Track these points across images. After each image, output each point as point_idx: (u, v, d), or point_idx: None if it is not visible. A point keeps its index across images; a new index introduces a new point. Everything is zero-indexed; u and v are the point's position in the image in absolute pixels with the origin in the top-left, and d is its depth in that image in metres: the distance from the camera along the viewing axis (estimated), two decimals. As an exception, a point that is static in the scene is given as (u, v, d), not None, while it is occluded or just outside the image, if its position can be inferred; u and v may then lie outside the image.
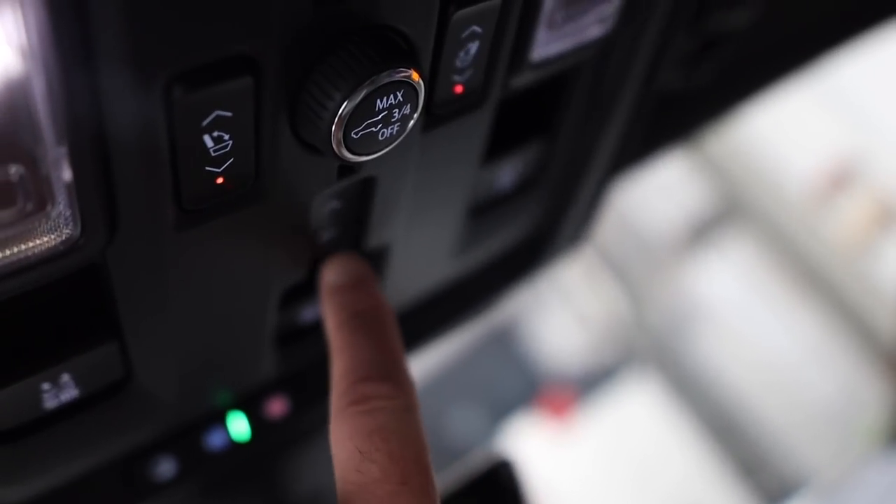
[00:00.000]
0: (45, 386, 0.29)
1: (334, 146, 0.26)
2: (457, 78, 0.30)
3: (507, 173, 0.40)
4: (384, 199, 0.32)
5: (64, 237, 0.24)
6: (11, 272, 0.24)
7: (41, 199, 0.23)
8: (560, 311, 1.76)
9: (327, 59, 0.25)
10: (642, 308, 1.73)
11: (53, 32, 0.20)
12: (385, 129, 0.27)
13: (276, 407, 0.39)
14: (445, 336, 0.47)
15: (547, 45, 0.33)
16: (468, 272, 0.45)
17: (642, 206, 1.70)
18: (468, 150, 0.34)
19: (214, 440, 0.38)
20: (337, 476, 0.27)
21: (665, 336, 1.72)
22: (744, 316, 1.65)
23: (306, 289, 0.34)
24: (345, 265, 0.32)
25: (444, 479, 0.53)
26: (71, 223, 0.24)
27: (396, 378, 0.28)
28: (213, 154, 0.24)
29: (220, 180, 0.25)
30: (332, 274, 0.32)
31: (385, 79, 0.25)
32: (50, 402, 0.30)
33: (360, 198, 0.32)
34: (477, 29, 0.29)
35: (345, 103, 0.25)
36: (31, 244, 0.24)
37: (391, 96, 0.26)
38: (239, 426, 0.38)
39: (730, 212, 1.67)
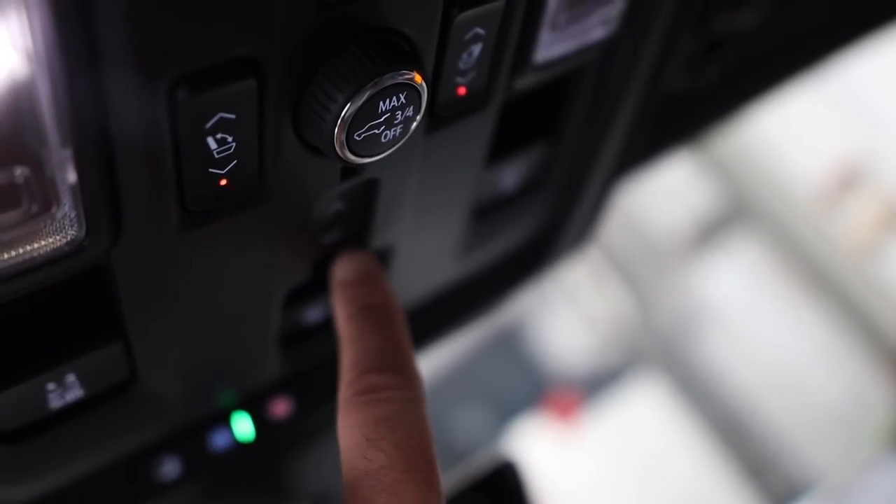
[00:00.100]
0: (51, 386, 0.29)
1: (337, 148, 0.26)
2: (460, 80, 0.30)
3: (510, 175, 0.40)
4: (387, 200, 0.32)
5: (69, 238, 0.24)
6: (17, 273, 0.24)
7: (46, 200, 0.23)
8: (566, 312, 1.76)
9: (330, 61, 0.25)
10: (649, 309, 1.72)
11: (58, 35, 0.20)
12: (388, 132, 0.27)
13: (281, 407, 0.39)
14: (450, 337, 0.48)
15: (550, 46, 0.33)
16: (473, 273, 0.45)
17: (649, 207, 1.69)
18: (471, 151, 0.34)
19: (219, 440, 0.38)
20: (343, 462, 0.28)
21: (671, 337, 1.72)
22: (751, 317, 1.65)
23: (310, 290, 0.35)
24: (355, 261, 0.33)
25: (450, 480, 0.53)
26: (76, 224, 0.24)
27: (404, 370, 0.29)
28: (216, 156, 0.25)
29: (223, 182, 0.25)
30: (342, 269, 0.33)
31: (388, 81, 0.25)
32: (55, 402, 0.30)
33: (364, 199, 0.32)
34: (480, 31, 0.29)
35: (348, 105, 0.25)
36: (36, 245, 0.24)
37: (394, 98, 0.26)
38: (243, 426, 0.39)
39: (737, 213, 1.66)
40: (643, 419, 1.64)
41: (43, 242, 0.24)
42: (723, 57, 0.51)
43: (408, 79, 0.26)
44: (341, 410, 0.28)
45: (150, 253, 0.26)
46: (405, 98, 0.26)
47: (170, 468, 0.37)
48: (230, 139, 0.24)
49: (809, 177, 1.54)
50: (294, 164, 0.27)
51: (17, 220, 0.23)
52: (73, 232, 0.24)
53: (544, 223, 0.46)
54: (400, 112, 0.26)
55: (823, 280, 1.55)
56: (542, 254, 0.48)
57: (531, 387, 1.74)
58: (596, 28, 0.35)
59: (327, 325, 0.36)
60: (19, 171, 0.22)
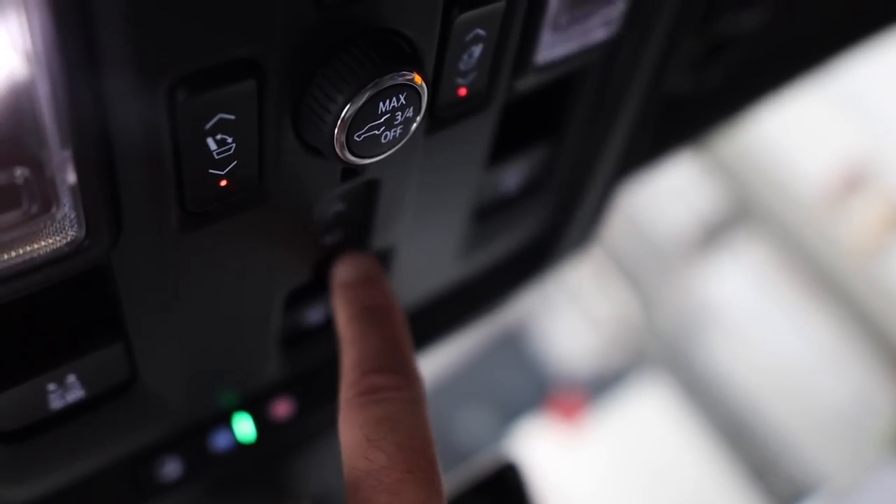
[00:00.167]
0: (51, 386, 0.29)
1: (337, 149, 0.26)
2: (460, 81, 0.30)
3: (512, 176, 0.40)
4: (388, 201, 0.32)
5: (69, 239, 0.24)
6: (17, 273, 0.24)
7: (46, 201, 0.23)
8: (570, 313, 1.75)
9: (330, 62, 0.25)
10: (653, 311, 1.72)
11: (58, 36, 0.20)
12: (388, 132, 0.27)
13: (282, 408, 0.39)
14: (453, 337, 0.48)
15: (552, 47, 0.33)
16: (475, 274, 0.45)
17: (653, 209, 1.69)
18: (472, 152, 0.34)
19: (220, 441, 0.38)
20: (344, 463, 0.28)
21: (675, 339, 1.72)
22: (755, 319, 1.65)
23: (311, 291, 0.35)
24: (356, 263, 0.33)
25: (452, 481, 0.53)
26: (76, 225, 0.24)
27: (405, 371, 0.29)
28: (216, 157, 0.25)
29: (223, 183, 0.25)
30: (343, 271, 0.33)
31: (388, 82, 0.25)
32: (56, 403, 0.30)
33: (365, 200, 0.32)
34: (480, 32, 0.29)
35: (347, 106, 0.25)
36: (36, 246, 0.24)
37: (394, 99, 0.26)
38: (244, 427, 0.39)
39: (741, 215, 1.66)
40: (647, 421, 1.64)
41: (43, 243, 0.24)
42: (726, 58, 0.51)
43: (408, 80, 0.26)
44: (342, 411, 0.28)
45: (150, 254, 0.26)
46: (405, 99, 0.26)
47: (171, 469, 0.37)
48: (230, 140, 0.24)
49: (814, 178, 1.54)
50: (294, 164, 0.27)
51: (17, 220, 0.23)
52: (72, 233, 0.24)
53: (546, 224, 0.46)
54: (400, 113, 0.26)
55: (828, 282, 1.55)
56: (545, 255, 0.48)
57: (535, 388, 1.74)
58: (597, 29, 0.35)
59: (328, 326, 0.36)
60: (19, 172, 0.22)
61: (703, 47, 0.49)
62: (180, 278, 0.28)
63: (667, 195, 1.66)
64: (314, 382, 0.40)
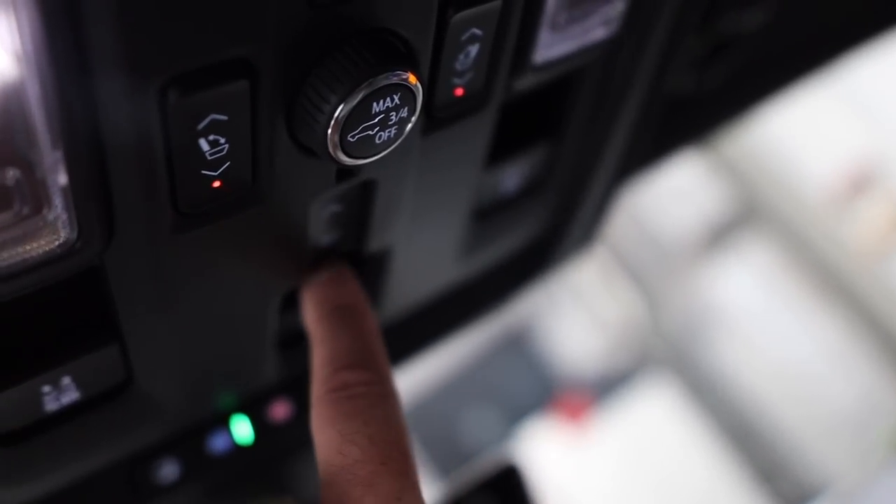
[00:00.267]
0: (46, 388, 0.29)
1: (330, 149, 0.25)
2: (457, 81, 0.30)
3: (512, 176, 0.39)
4: (385, 202, 0.32)
5: (62, 240, 0.24)
6: (10, 275, 0.24)
7: (37, 202, 0.23)
8: (576, 314, 1.75)
9: (324, 62, 0.25)
10: (659, 312, 1.71)
11: (47, 37, 0.20)
12: (382, 133, 0.27)
13: (280, 410, 0.39)
14: (453, 339, 0.47)
15: (550, 47, 0.33)
16: (475, 275, 0.45)
17: (659, 209, 1.69)
18: (470, 153, 0.34)
19: (218, 443, 0.38)
20: (319, 460, 0.28)
21: (682, 340, 1.71)
22: (761, 320, 1.64)
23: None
24: (324, 264, 0.33)
25: (455, 481, 0.53)
26: (68, 226, 0.24)
27: (375, 367, 0.29)
28: (209, 158, 0.24)
29: (216, 184, 0.25)
30: (312, 275, 0.33)
31: (381, 82, 0.25)
32: (51, 405, 0.30)
33: (361, 201, 0.32)
34: (477, 31, 0.28)
35: (341, 106, 0.25)
36: (28, 247, 0.24)
37: (388, 99, 0.26)
38: (242, 429, 0.38)
39: (747, 216, 1.65)
40: (653, 422, 1.63)
41: (35, 244, 0.24)
42: (728, 58, 0.51)
43: (402, 79, 0.26)
44: (315, 408, 0.29)
45: (143, 255, 0.26)
46: (399, 99, 0.26)
47: (168, 471, 0.37)
48: (223, 141, 0.24)
49: (821, 179, 1.53)
50: (288, 165, 0.27)
51: (8, 222, 0.23)
52: (65, 234, 0.24)
53: (547, 225, 0.46)
54: (394, 113, 0.26)
55: (835, 283, 1.54)
56: (546, 255, 0.48)
57: (541, 389, 1.74)
58: (597, 28, 0.35)
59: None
60: (10, 173, 0.22)
61: (706, 47, 0.49)
62: (175, 280, 0.28)
63: (673, 196, 1.65)
64: (312, 384, 0.40)
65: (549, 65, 0.33)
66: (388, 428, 0.27)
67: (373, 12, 0.25)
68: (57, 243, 0.24)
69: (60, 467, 0.33)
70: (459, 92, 0.30)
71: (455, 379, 1.71)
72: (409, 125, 0.27)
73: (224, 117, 0.24)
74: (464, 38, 0.28)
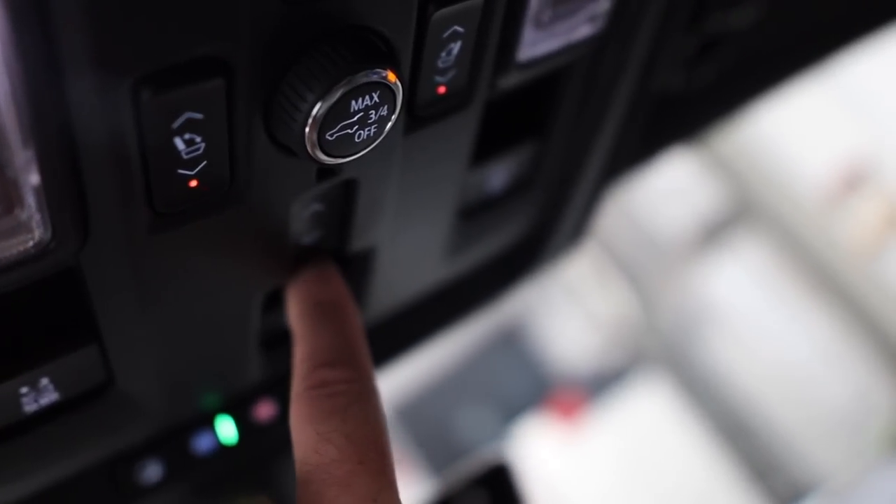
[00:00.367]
0: (24, 390, 0.29)
1: (308, 148, 0.25)
2: (439, 79, 0.29)
3: (498, 175, 0.39)
4: (367, 201, 0.32)
5: (36, 240, 0.24)
6: (-17, 276, 0.24)
7: (9, 202, 0.22)
8: (570, 311, 1.75)
9: (301, 59, 0.24)
10: (652, 309, 1.71)
11: (15, 34, 0.20)
12: (362, 131, 0.26)
13: (265, 410, 0.39)
14: (441, 336, 0.47)
15: (534, 44, 0.33)
16: (462, 273, 0.45)
17: (653, 207, 1.68)
18: (455, 151, 0.34)
19: (202, 443, 0.38)
20: (296, 458, 0.27)
21: (676, 338, 1.71)
22: (755, 318, 1.64)
23: (291, 292, 0.34)
24: (309, 261, 0.33)
25: (445, 480, 0.53)
26: (41, 226, 0.24)
27: (355, 364, 0.29)
28: (185, 157, 0.24)
29: (193, 183, 0.25)
30: (296, 272, 0.33)
31: (360, 80, 0.25)
32: (29, 406, 0.29)
33: (343, 200, 0.32)
34: (458, 29, 0.28)
35: (318, 104, 0.24)
36: (0, 247, 0.24)
37: (367, 97, 0.25)
38: (227, 429, 0.38)
39: (741, 213, 1.65)
40: (647, 419, 1.63)
41: (8, 244, 0.23)
42: (719, 56, 0.51)
43: (381, 77, 0.25)
44: (293, 405, 0.28)
45: (120, 256, 0.26)
46: (379, 97, 0.26)
47: (152, 471, 0.37)
48: (199, 140, 0.24)
49: (815, 177, 1.53)
50: (267, 165, 0.27)
51: (-21, 222, 0.22)
52: (38, 234, 0.24)
53: (535, 223, 0.46)
54: (374, 111, 0.26)
55: (828, 280, 1.54)
56: (534, 254, 0.48)
57: (535, 386, 1.74)
58: (582, 25, 0.34)
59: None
60: (-19, 173, 0.22)
61: (695, 44, 0.49)
62: (154, 280, 0.28)
63: (667, 193, 1.65)
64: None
65: (534, 62, 0.33)
66: (367, 426, 0.27)
67: (351, 9, 0.25)
68: (31, 243, 0.24)
69: (41, 468, 0.33)
70: (442, 90, 0.30)
71: (449, 376, 1.71)
72: (390, 124, 0.27)
73: (199, 116, 0.23)
74: (445, 35, 0.28)
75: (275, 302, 0.34)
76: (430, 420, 1.66)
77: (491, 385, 1.73)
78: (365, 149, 0.27)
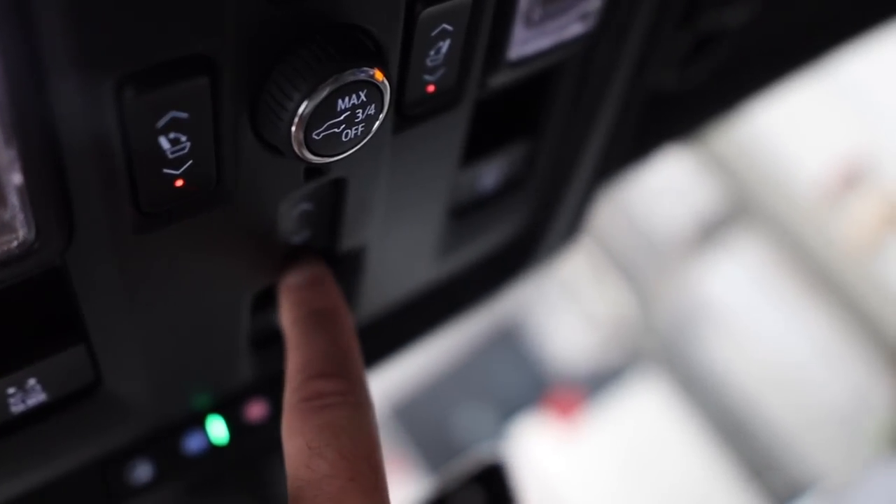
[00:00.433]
0: (11, 390, 0.28)
1: (295, 147, 0.25)
2: (428, 77, 0.29)
3: (489, 174, 0.39)
4: (356, 200, 0.32)
5: (20, 240, 0.24)
6: (-33, 276, 0.24)
7: (-8, 202, 0.22)
8: (567, 311, 1.75)
9: (287, 58, 0.24)
10: (650, 308, 1.71)
11: (-4, 32, 0.19)
12: (349, 130, 0.26)
13: (256, 410, 0.39)
14: (435, 335, 0.47)
15: (525, 43, 0.32)
16: (455, 273, 0.45)
17: (650, 205, 1.68)
18: (445, 150, 0.34)
19: (193, 444, 0.38)
20: (287, 472, 0.27)
21: (673, 336, 1.71)
22: (752, 316, 1.64)
23: (281, 292, 0.34)
24: (303, 266, 0.32)
25: (442, 478, 0.53)
26: (25, 226, 0.23)
27: (349, 375, 0.28)
28: (170, 156, 0.24)
29: (179, 183, 0.25)
30: (290, 273, 0.32)
31: (347, 78, 0.24)
32: (16, 407, 0.29)
33: (332, 200, 0.32)
34: (447, 27, 0.28)
35: (304, 103, 0.24)
36: (-16, 248, 0.23)
37: (354, 96, 0.25)
38: (218, 429, 0.38)
39: (738, 211, 1.65)
40: (644, 418, 1.63)
41: (-9, 244, 0.23)
42: (712, 54, 0.50)
43: (368, 76, 0.25)
44: (285, 417, 0.28)
45: (106, 256, 0.26)
46: (366, 96, 0.25)
47: (142, 471, 0.37)
48: (184, 139, 0.24)
49: (812, 175, 1.53)
50: (254, 164, 0.27)
51: (-38, 221, 0.22)
52: (22, 233, 0.24)
53: (527, 223, 0.45)
54: (361, 110, 0.26)
55: (826, 278, 1.54)
56: (527, 253, 0.48)
57: (532, 385, 1.74)
58: (573, 24, 0.34)
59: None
60: (-36, 173, 0.21)
61: (689, 42, 0.48)
62: (141, 280, 0.28)
63: (663, 192, 1.65)
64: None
65: (525, 61, 0.33)
66: (360, 441, 0.27)
67: (338, 8, 0.24)
68: (15, 243, 0.24)
69: (30, 469, 0.32)
70: (431, 89, 0.30)
71: (446, 375, 1.71)
72: (377, 123, 0.27)
73: (184, 115, 0.23)
74: (434, 33, 0.28)
75: (265, 301, 0.34)
76: (427, 418, 1.66)
77: (488, 383, 1.73)
78: (352, 148, 0.27)
